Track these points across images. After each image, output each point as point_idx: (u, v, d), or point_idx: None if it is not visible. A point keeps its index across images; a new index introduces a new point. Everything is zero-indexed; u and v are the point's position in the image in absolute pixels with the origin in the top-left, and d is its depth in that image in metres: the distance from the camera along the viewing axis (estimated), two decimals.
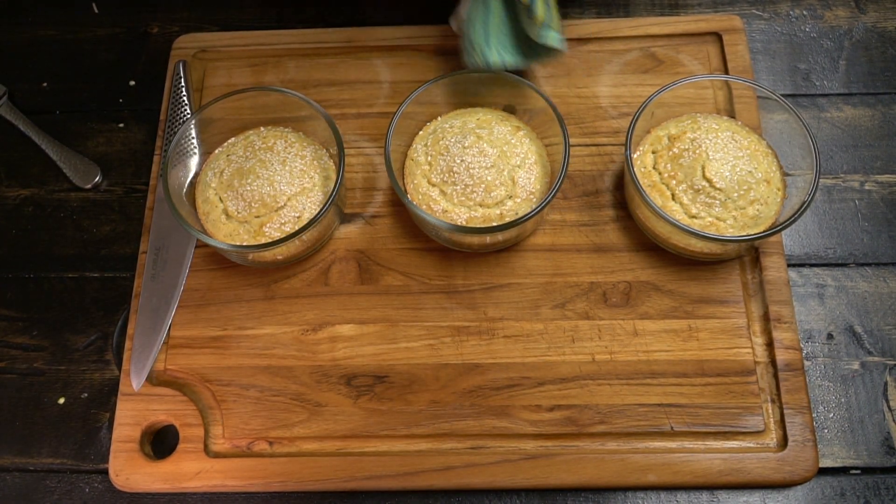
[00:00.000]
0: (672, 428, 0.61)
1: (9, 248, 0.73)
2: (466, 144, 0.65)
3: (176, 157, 0.66)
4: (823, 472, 0.61)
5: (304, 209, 0.65)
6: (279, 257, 0.66)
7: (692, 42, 0.75)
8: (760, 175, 0.63)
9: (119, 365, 0.67)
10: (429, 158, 0.66)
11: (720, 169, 0.62)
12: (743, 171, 0.63)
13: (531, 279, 0.66)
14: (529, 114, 0.67)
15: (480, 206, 0.64)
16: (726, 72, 0.73)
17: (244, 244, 0.63)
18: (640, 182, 0.64)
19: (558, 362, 0.64)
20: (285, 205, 0.64)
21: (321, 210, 0.62)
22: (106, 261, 0.71)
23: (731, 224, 0.62)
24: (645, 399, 0.62)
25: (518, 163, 0.65)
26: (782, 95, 0.64)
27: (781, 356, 0.62)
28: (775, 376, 0.62)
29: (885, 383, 0.64)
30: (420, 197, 0.65)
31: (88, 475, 0.64)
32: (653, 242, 0.67)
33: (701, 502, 0.61)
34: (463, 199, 0.64)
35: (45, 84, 0.80)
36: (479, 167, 0.64)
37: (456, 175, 0.64)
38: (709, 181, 0.62)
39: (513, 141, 0.66)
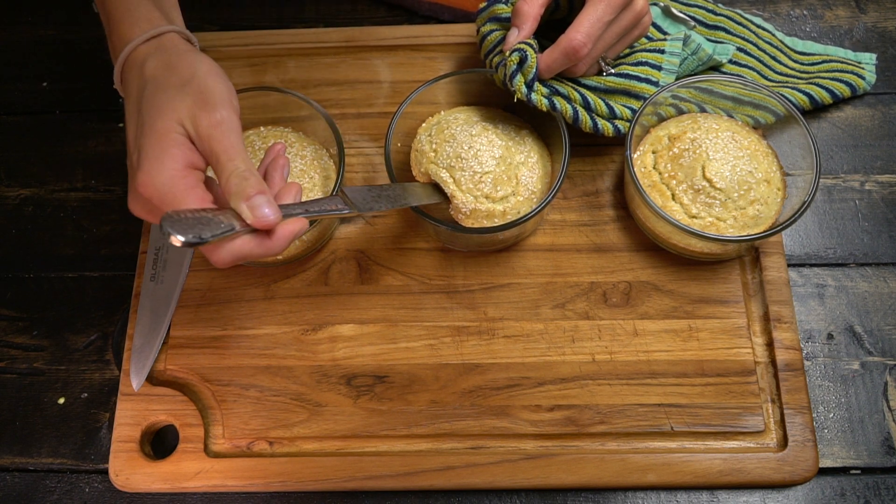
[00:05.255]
0: (672, 428, 0.61)
1: (9, 248, 0.73)
2: (474, 133, 0.64)
3: None
4: (823, 472, 0.61)
5: None
6: (279, 257, 0.66)
7: None
8: (760, 175, 0.63)
9: (119, 365, 0.67)
10: (434, 146, 0.65)
11: (720, 169, 0.62)
12: (743, 171, 0.62)
13: (531, 279, 0.66)
14: (529, 113, 0.67)
15: (486, 198, 0.63)
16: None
17: None
18: (640, 182, 0.64)
19: (558, 362, 0.63)
20: None
21: None
22: (106, 260, 0.71)
23: (731, 224, 0.62)
24: (645, 399, 0.62)
25: (522, 160, 0.65)
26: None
27: (781, 356, 0.62)
28: (775, 376, 0.62)
29: (885, 383, 0.64)
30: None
31: (88, 475, 0.64)
32: (653, 242, 0.67)
33: (701, 502, 0.61)
34: (470, 186, 0.62)
35: (45, 84, 0.80)
36: (488, 156, 0.63)
37: (464, 161, 0.62)
38: (709, 181, 0.62)
39: (517, 138, 0.66)
